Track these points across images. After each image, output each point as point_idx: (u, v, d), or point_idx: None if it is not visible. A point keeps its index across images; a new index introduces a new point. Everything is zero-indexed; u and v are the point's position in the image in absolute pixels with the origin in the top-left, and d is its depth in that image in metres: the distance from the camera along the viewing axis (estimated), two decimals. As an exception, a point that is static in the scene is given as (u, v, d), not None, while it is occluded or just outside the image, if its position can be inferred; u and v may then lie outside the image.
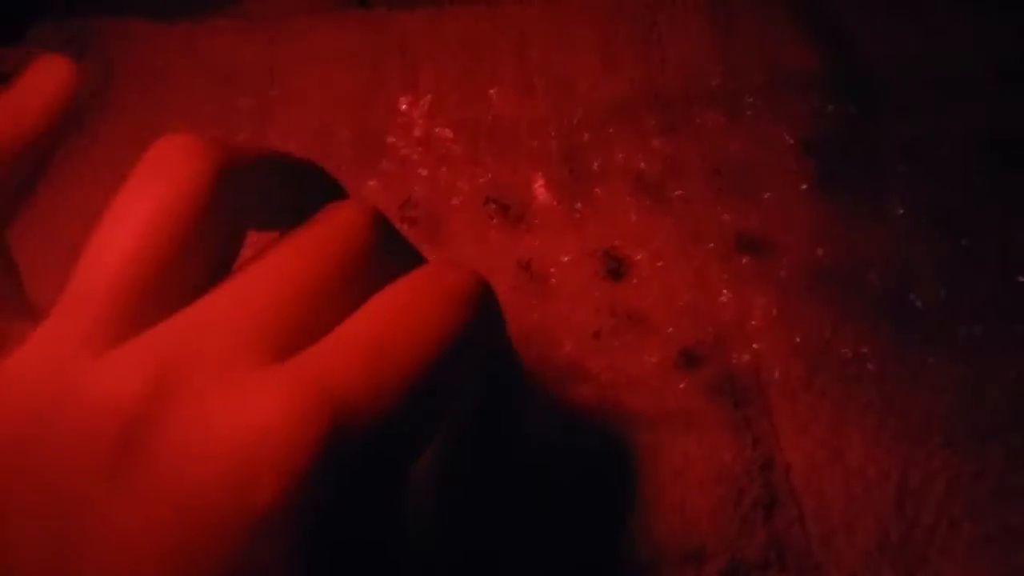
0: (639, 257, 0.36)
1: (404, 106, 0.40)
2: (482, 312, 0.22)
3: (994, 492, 0.30)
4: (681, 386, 0.33)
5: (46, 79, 0.31)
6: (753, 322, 0.34)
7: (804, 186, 0.37)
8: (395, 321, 0.21)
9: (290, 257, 0.22)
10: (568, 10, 0.42)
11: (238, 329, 0.20)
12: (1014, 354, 0.33)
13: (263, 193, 0.23)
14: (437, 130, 0.40)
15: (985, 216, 0.36)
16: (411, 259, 0.24)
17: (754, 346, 0.33)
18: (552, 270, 0.35)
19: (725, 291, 0.35)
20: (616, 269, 0.36)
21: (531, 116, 0.40)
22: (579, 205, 0.37)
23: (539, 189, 0.38)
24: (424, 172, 0.38)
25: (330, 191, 0.26)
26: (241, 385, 0.19)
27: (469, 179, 0.38)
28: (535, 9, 0.43)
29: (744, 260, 0.35)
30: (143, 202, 0.21)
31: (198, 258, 0.21)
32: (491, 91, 0.40)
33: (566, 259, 0.36)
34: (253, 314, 0.20)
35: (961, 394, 0.32)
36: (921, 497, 0.30)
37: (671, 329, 0.34)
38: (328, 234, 0.22)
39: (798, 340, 0.34)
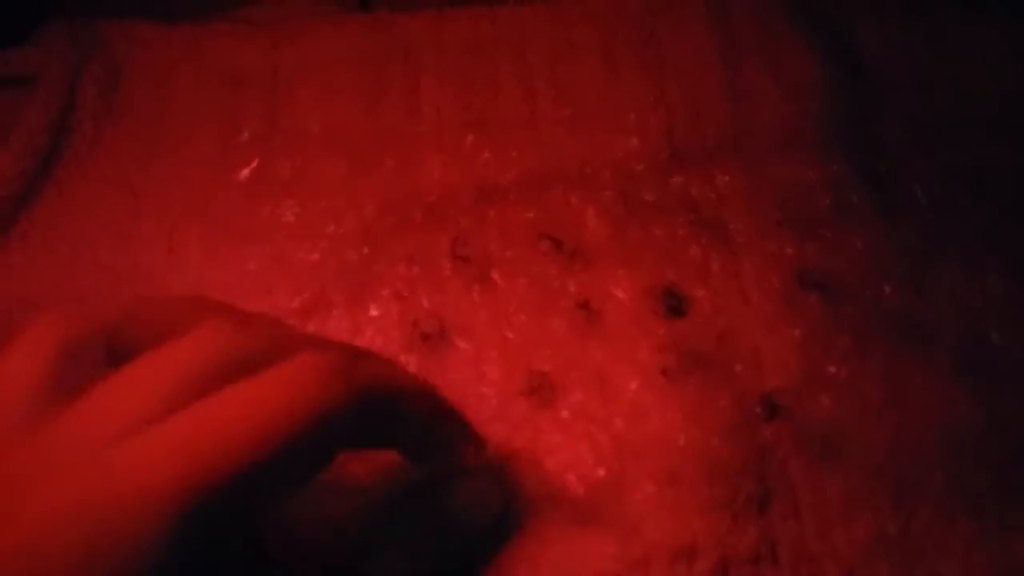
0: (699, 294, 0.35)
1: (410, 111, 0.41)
2: (337, 397, 0.23)
3: (992, 487, 0.30)
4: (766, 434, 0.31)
5: None
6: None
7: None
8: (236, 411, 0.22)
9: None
10: (569, 14, 0.43)
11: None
12: (1013, 352, 0.33)
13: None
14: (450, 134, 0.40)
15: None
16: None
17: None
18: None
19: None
20: (676, 307, 0.35)
21: (533, 127, 0.40)
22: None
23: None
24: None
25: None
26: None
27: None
28: (536, 13, 0.43)
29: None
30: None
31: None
32: (492, 96, 0.41)
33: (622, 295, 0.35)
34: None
35: (961, 390, 0.32)
36: (919, 491, 0.30)
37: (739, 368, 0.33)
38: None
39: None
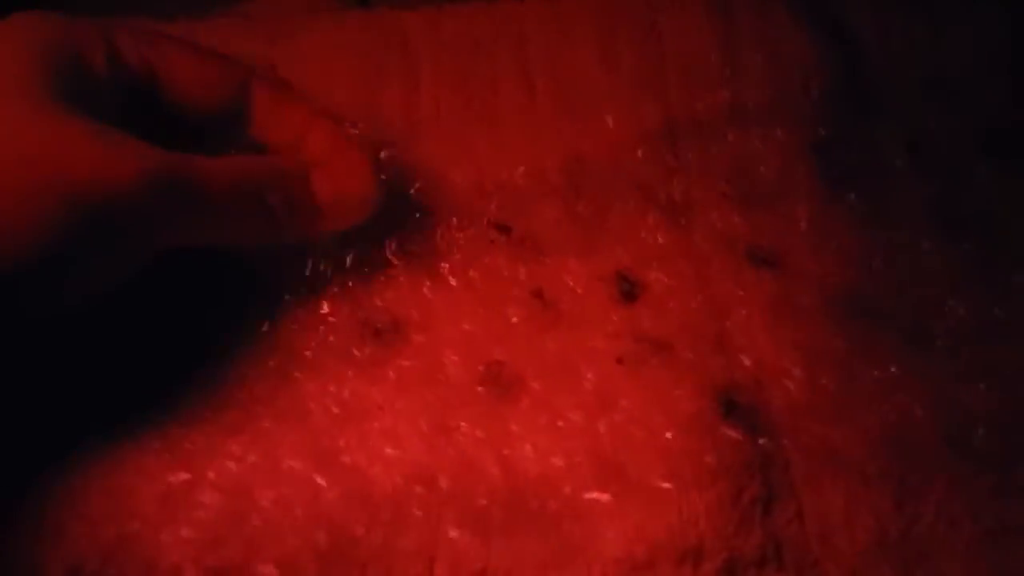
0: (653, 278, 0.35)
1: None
2: None
3: (994, 490, 0.30)
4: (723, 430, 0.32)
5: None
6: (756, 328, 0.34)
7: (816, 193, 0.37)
8: None
9: None
10: (568, 8, 0.42)
11: None
12: (1013, 350, 0.33)
13: None
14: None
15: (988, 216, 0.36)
16: None
17: (757, 345, 0.33)
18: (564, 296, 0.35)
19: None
20: (629, 291, 0.35)
21: (532, 121, 0.40)
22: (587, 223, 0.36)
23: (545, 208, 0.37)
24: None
25: None
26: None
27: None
28: (535, 7, 0.42)
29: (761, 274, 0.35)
30: None
31: None
32: (491, 91, 0.40)
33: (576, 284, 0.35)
34: None
35: (961, 391, 0.32)
36: (921, 494, 0.30)
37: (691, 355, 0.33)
38: None
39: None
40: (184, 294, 0.34)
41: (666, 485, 0.30)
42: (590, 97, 0.40)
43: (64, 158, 0.26)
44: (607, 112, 0.40)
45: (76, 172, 0.26)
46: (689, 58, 0.41)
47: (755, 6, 0.42)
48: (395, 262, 0.36)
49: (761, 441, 0.31)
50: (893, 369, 0.33)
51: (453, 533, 0.29)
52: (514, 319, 0.34)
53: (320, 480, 0.30)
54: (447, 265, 0.36)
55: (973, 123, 0.38)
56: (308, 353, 0.33)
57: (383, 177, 0.34)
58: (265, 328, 0.34)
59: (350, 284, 0.35)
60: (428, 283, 0.35)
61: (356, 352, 0.33)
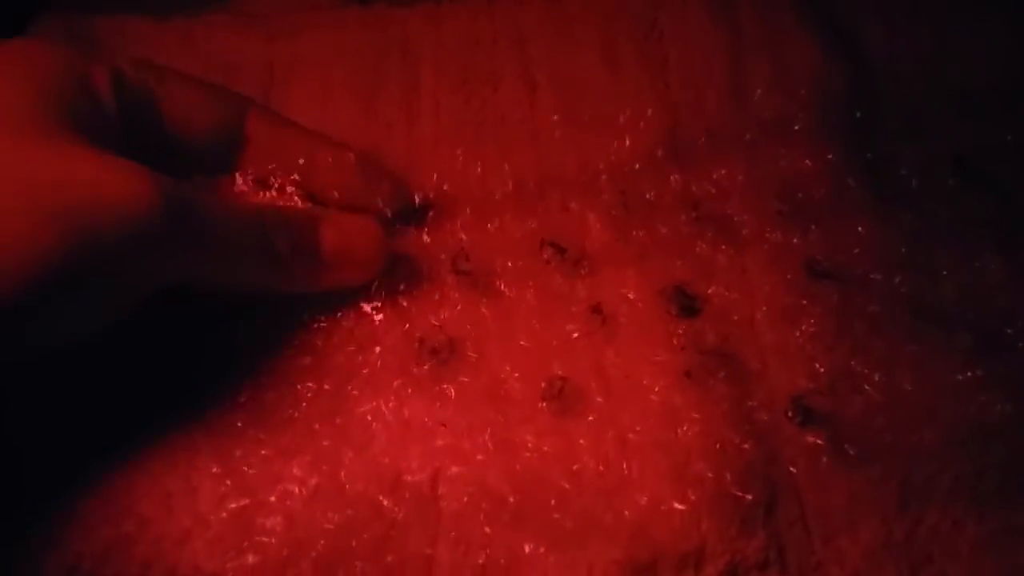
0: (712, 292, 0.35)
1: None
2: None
3: (998, 491, 0.30)
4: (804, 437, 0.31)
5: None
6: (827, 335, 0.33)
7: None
8: None
9: None
10: (569, 8, 0.42)
11: None
12: (1017, 353, 0.33)
13: None
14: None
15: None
16: None
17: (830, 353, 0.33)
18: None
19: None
20: (689, 306, 0.34)
21: (533, 122, 0.39)
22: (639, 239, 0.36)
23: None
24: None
25: None
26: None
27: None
28: (535, 6, 0.42)
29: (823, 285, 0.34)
30: None
31: None
32: (491, 89, 0.40)
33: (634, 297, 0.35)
34: None
35: (966, 392, 0.32)
36: (925, 496, 0.30)
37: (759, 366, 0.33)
38: None
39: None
40: (240, 317, 0.33)
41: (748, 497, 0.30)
42: (591, 97, 0.40)
43: (69, 186, 0.25)
44: (608, 114, 0.39)
45: (82, 200, 0.25)
46: (692, 58, 0.40)
47: (758, 4, 0.42)
48: (448, 280, 0.35)
49: (848, 448, 0.31)
50: (974, 372, 0.32)
51: (527, 548, 0.29)
52: (575, 335, 0.34)
53: (385, 501, 0.30)
54: (501, 283, 0.35)
55: (1012, 137, 0.38)
56: (366, 371, 0.33)
57: (389, 241, 0.34)
58: (319, 347, 0.33)
59: (403, 303, 0.35)
60: (484, 300, 0.35)
61: (414, 370, 0.33)
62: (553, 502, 0.30)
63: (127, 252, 0.26)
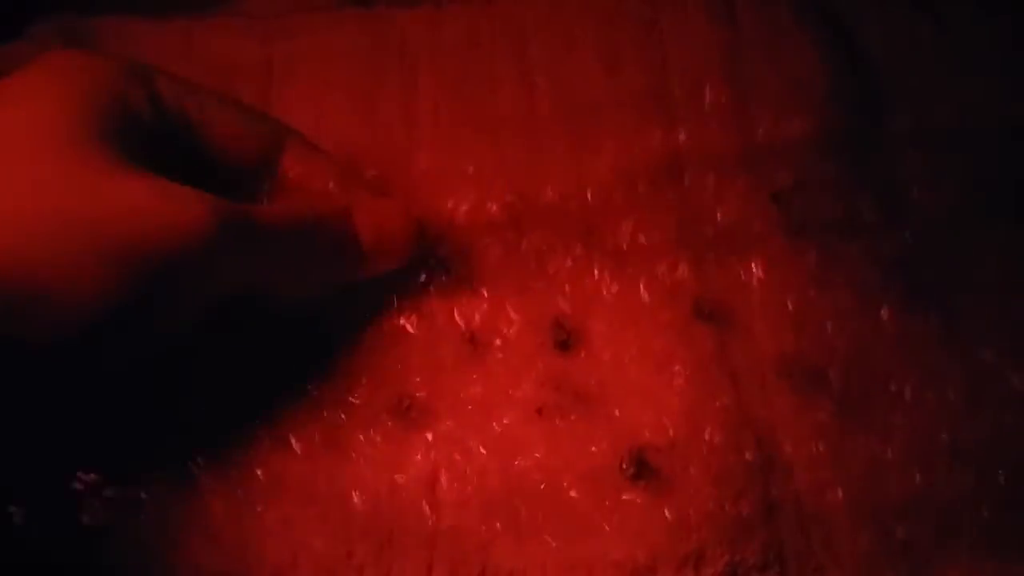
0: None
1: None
2: None
3: (998, 496, 0.30)
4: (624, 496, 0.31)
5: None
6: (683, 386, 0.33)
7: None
8: None
9: None
10: (568, 10, 0.42)
11: None
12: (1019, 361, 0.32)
13: None
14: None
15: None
16: None
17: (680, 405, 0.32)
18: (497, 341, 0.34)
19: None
20: (565, 340, 0.34)
21: (531, 125, 0.39)
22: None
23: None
24: None
25: None
26: None
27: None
28: (535, 7, 0.42)
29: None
30: None
31: None
32: (490, 92, 0.40)
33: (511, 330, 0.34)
34: None
35: (966, 398, 0.32)
36: (924, 499, 0.30)
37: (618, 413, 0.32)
38: None
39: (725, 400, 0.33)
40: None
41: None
42: (591, 98, 0.40)
43: (127, 217, 0.25)
44: (608, 116, 0.39)
45: (143, 232, 0.25)
46: (691, 59, 0.40)
47: (758, 6, 0.42)
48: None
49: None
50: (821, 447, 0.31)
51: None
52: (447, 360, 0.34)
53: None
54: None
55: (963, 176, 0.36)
56: None
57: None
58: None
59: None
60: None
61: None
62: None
63: (188, 277, 0.27)
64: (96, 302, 0.25)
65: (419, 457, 0.31)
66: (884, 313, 0.33)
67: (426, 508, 0.31)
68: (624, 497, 0.30)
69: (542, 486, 0.31)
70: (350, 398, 0.32)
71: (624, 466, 0.31)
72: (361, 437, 0.32)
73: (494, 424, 0.32)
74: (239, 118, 0.32)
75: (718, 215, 0.36)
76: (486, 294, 0.34)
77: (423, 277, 0.35)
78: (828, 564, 0.30)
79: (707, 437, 0.31)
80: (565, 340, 0.33)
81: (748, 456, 0.31)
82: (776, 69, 0.40)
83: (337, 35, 0.42)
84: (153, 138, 0.29)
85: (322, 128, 0.39)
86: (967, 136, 0.38)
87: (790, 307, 0.34)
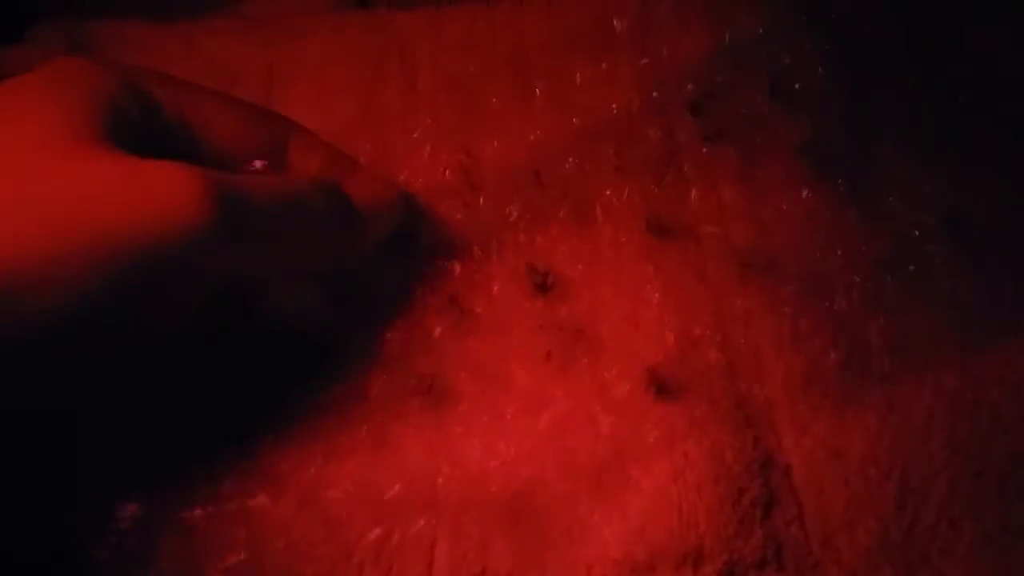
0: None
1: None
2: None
3: (995, 492, 0.30)
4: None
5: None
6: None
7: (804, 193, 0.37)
8: None
9: None
10: (567, 12, 0.42)
11: None
12: (1015, 354, 0.33)
13: None
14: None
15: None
16: None
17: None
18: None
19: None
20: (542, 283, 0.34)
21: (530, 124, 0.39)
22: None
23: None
24: None
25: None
26: None
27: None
28: (534, 11, 0.42)
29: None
30: None
31: None
32: (490, 93, 0.40)
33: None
34: None
35: (963, 394, 0.32)
36: (922, 496, 0.30)
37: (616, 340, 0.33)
38: None
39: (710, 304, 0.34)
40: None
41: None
42: (589, 101, 0.40)
43: (119, 198, 0.25)
44: (606, 116, 0.39)
45: (134, 212, 0.25)
46: (687, 60, 0.40)
47: (753, 5, 0.42)
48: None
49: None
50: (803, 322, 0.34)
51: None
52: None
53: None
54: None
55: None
56: None
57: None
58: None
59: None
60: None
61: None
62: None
63: (185, 254, 0.26)
64: (82, 289, 0.25)
65: (421, 454, 0.32)
66: (804, 192, 0.37)
67: (426, 509, 0.31)
68: (657, 414, 0.32)
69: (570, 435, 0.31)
70: (362, 393, 0.33)
71: (647, 388, 0.32)
72: (366, 431, 0.32)
73: (514, 387, 0.33)
74: (240, 118, 0.32)
75: (649, 135, 0.38)
76: (462, 257, 0.36)
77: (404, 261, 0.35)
78: (826, 561, 0.30)
79: (696, 333, 0.34)
80: (543, 282, 0.34)
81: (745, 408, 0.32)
82: (773, 68, 0.40)
83: (338, 37, 0.42)
84: (153, 140, 0.29)
85: (322, 130, 0.39)
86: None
87: (729, 205, 0.37)
